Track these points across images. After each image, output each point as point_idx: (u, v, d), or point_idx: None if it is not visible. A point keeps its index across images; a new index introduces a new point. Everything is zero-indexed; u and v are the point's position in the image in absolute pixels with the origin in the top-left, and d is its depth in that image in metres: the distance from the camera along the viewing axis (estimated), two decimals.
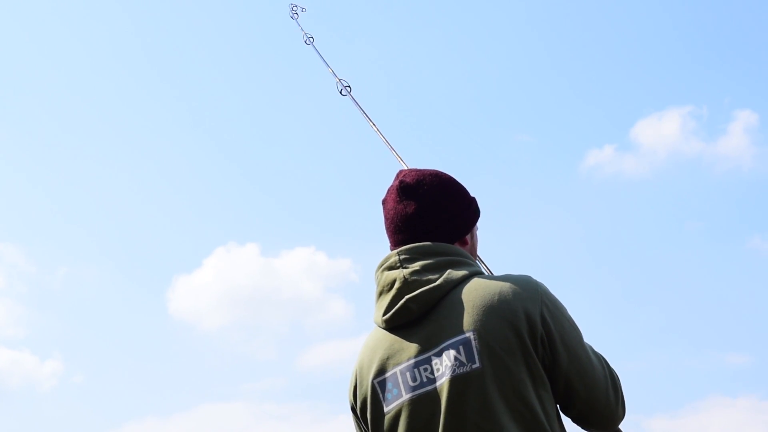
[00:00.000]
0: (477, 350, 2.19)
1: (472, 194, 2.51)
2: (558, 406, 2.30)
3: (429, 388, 2.23)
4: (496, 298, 2.24)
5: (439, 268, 2.32)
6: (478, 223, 2.51)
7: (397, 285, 2.33)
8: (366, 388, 2.35)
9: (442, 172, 2.48)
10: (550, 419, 2.21)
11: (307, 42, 3.45)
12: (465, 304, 2.25)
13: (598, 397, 2.28)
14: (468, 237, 2.45)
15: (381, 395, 2.31)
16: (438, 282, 2.29)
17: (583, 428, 2.40)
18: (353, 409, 2.44)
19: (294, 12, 3.65)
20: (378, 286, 2.39)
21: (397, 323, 2.33)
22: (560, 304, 2.30)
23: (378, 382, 2.32)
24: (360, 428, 2.45)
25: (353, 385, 2.42)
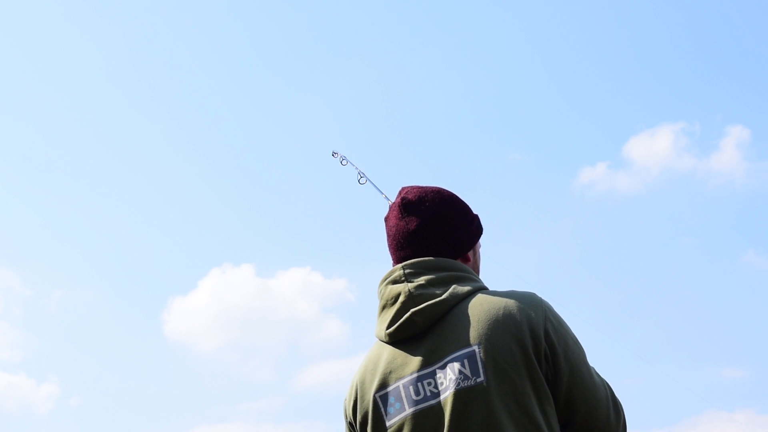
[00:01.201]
0: (482, 364, 2.20)
1: (474, 212, 2.51)
2: (561, 423, 2.29)
3: (432, 402, 2.22)
4: (501, 312, 2.24)
5: (444, 283, 2.33)
6: (481, 241, 2.52)
7: (401, 299, 2.33)
8: (367, 402, 2.33)
9: (444, 189, 2.48)
10: (553, 430, 2.21)
11: (361, 181, 3.40)
12: (470, 319, 2.26)
13: (598, 416, 2.28)
14: (470, 254, 2.46)
15: (383, 409, 2.30)
16: (444, 296, 2.30)
17: None
18: (351, 424, 2.42)
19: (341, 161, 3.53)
20: (381, 299, 2.39)
21: (400, 337, 2.33)
22: (564, 322, 2.31)
23: (380, 396, 2.30)
24: None
25: (352, 399, 2.40)
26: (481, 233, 2.50)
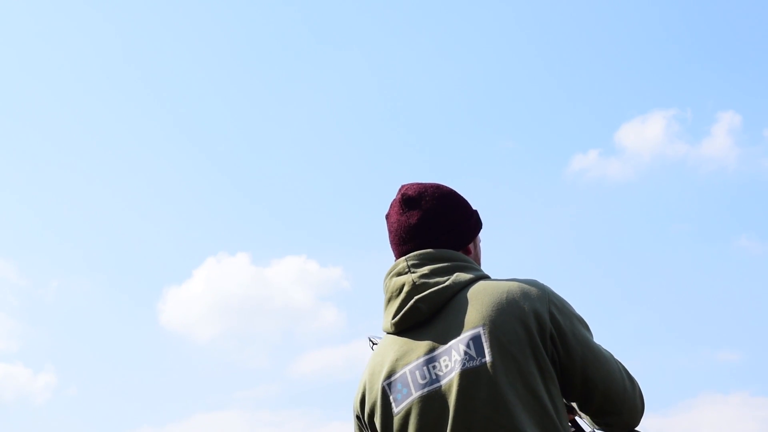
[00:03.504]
0: (487, 344, 2.23)
1: (473, 207, 2.55)
2: (577, 404, 2.35)
3: (438, 384, 2.26)
4: (505, 296, 2.29)
5: (447, 272, 2.38)
6: (481, 236, 2.56)
7: (406, 289, 2.37)
8: (376, 392, 2.36)
9: (443, 185, 2.53)
10: (558, 413, 2.25)
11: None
12: (474, 303, 2.30)
13: (615, 388, 2.32)
14: (471, 246, 2.50)
15: (390, 397, 2.33)
16: (447, 283, 2.34)
17: (603, 428, 2.42)
18: (359, 418, 2.45)
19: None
20: (387, 293, 2.43)
21: (406, 325, 2.37)
22: (567, 302, 2.35)
23: (387, 384, 2.34)
24: None
25: (361, 393, 2.44)
26: (481, 227, 2.55)
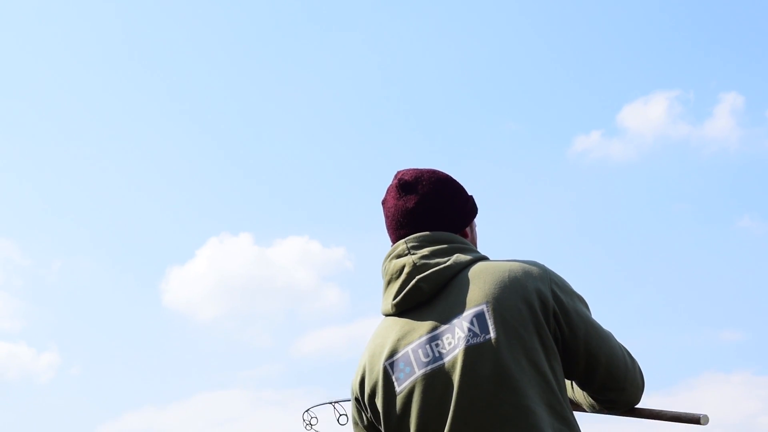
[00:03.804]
0: (491, 321, 2.24)
1: (468, 193, 2.56)
2: (578, 382, 2.37)
3: (442, 361, 2.26)
4: (507, 275, 2.30)
5: (447, 253, 2.38)
6: (476, 221, 2.57)
7: (406, 270, 2.38)
8: (377, 372, 2.36)
9: (439, 170, 2.54)
10: (561, 390, 2.25)
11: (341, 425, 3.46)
12: (476, 282, 2.31)
13: (617, 364, 2.34)
14: (467, 230, 2.51)
15: (393, 376, 2.32)
16: (448, 263, 2.35)
17: (605, 406, 2.44)
18: (358, 400, 2.45)
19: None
20: (386, 275, 2.44)
21: (407, 306, 2.38)
22: (568, 283, 2.37)
23: (389, 364, 2.34)
24: (362, 418, 2.46)
25: (360, 375, 2.43)
26: (477, 212, 2.55)
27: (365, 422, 2.45)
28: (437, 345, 2.29)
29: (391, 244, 2.50)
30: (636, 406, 2.46)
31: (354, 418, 2.49)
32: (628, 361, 2.38)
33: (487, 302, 2.26)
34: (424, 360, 2.29)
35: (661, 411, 2.44)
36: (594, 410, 2.53)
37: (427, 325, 2.33)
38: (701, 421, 2.39)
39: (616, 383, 2.36)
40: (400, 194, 2.48)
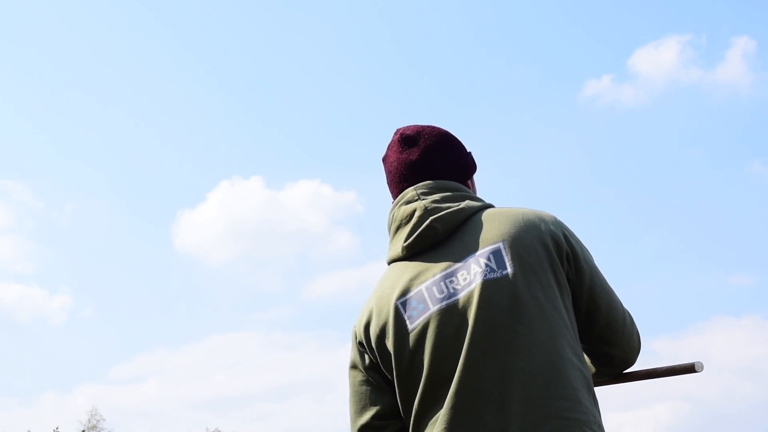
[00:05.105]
0: (508, 258, 2.26)
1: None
2: (578, 330, 2.35)
3: (457, 297, 2.26)
4: (521, 217, 2.34)
5: (457, 199, 2.40)
6: (475, 178, 2.59)
7: (417, 213, 2.38)
8: (386, 313, 2.34)
9: (438, 126, 2.56)
10: (574, 327, 2.28)
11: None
12: (490, 222, 2.33)
13: (616, 317, 2.36)
14: (469, 183, 2.54)
15: (404, 314, 2.31)
16: (461, 206, 2.37)
17: (600, 363, 2.44)
18: (361, 344, 2.42)
19: None
20: (394, 222, 2.43)
21: (420, 247, 2.37)
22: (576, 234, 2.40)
23: (401, 303, 2.32)
24: (364, 360, 2.42)
25: (364, 319, 2.41)
26: (476, 168, 2.57)
27: (367, 365, 2.41)
28: (452, 282, 2.29)
29: (392, 200, 2.51)
30: (628, 371, 2.45)
31: (353, 362, 2.44)
32: (627, 319, 2.41)
33: (503, 240, 2.29)
34: (439, 296, 2.28)
35: (654, 369, 2.43)
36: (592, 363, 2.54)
37: (442, 264, 2.33)
38: (696, 368, 2.38)
39: (613, 336, 2.38)
40: (402, 148, 2.50)
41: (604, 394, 2.47)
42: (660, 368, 2.44)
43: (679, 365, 2.41)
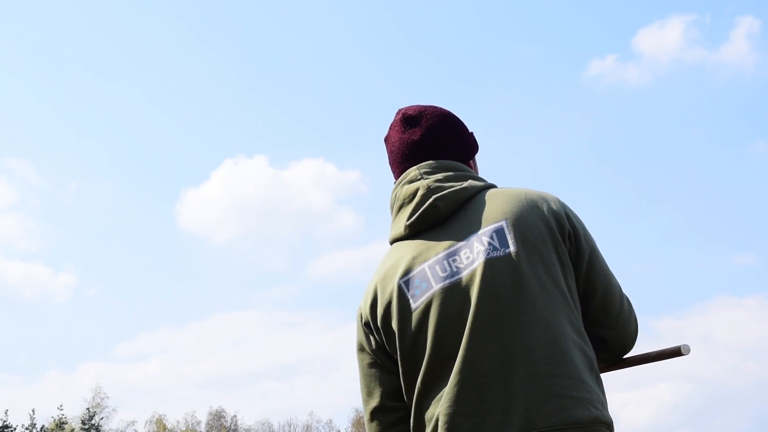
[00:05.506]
0: (510, 236, 2.26)
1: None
2: None
3: (460, 275, 2.27)
4: (524, 197, 2.35)
5: (460, 179, 2.41)
6: (478, 158, 2.59)
7: (420, 192, 2.39)
8: (390, 292, 2.34)
9: (440, 106, 2.56)
10: (577, 306, 2.28)
11: None
12: (493, 201, 2.34)
13: (612, 300, 2.35)
14: (471, 163, 2.54)
15: (407, 293, 2.31)
16: (464, 185, 2.38)
17: (594, 346, 2.38)
18: (367, 324, 2.42)
19: None
20: (397, 201, 2.44)
21: (422, 226, 2.38)
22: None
23: (404, 282, 2.33)
24: (371, 341, 2.42)
25: (370, 298, 2.41)
26: (478, 149, 2.57)
27: (373, 346, 2.41)
28: (454, 260, 2.30)
29: (394, 180, 2.51)
30: (623, 357, 2.44)
31: (360, 344, 2.45)
32: (624, 304, 2.40)
33: (506, 218, 2.29)
34: (442, 275, 2.29)
35: (647, 354, 2.44)
36: None
37: (444, 243, 2.33)
38: (682, 351, 2.39)
39: (608, 320, 2.36)
40: (404, 128, 2.50)
41: (606, 373, 2.47)
42: (652, 353, 2.44)
43: (669, 349, 2.42)
